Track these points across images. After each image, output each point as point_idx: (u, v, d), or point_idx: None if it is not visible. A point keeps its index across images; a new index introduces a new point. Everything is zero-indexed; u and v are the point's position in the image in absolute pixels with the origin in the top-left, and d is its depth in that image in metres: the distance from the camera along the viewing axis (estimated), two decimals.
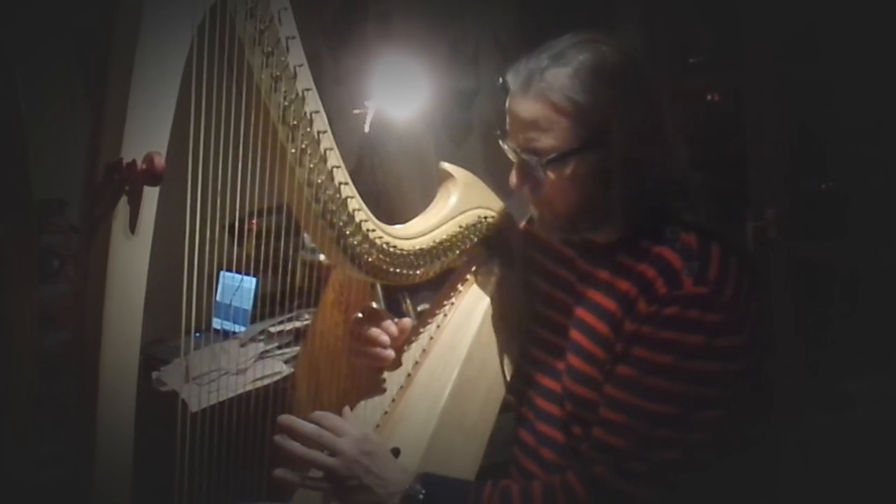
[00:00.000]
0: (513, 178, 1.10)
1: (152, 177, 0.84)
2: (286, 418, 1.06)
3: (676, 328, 0.98)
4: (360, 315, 1.24)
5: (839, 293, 1.95)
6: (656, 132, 1.04)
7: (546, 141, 1.03)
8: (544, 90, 1.02)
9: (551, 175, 1.05)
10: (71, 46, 2.34)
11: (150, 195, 0.86)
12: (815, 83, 1.94)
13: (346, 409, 1.17)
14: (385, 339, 1.22)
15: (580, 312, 1.12)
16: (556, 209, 1.08)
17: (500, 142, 1.11)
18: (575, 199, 1.06)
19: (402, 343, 1.26)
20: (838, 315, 1.93)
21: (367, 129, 2.27)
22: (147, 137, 0.85)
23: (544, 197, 1.08)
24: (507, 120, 1.09)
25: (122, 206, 0.85)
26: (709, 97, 2.22)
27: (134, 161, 0.84)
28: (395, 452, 1.15)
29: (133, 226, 0.86)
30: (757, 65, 1.95)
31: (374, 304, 1.26)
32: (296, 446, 1.04)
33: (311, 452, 1.04)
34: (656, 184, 1.04)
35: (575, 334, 1.11)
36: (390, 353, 1.23)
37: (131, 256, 0.86)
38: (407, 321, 1.27)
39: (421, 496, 1.03)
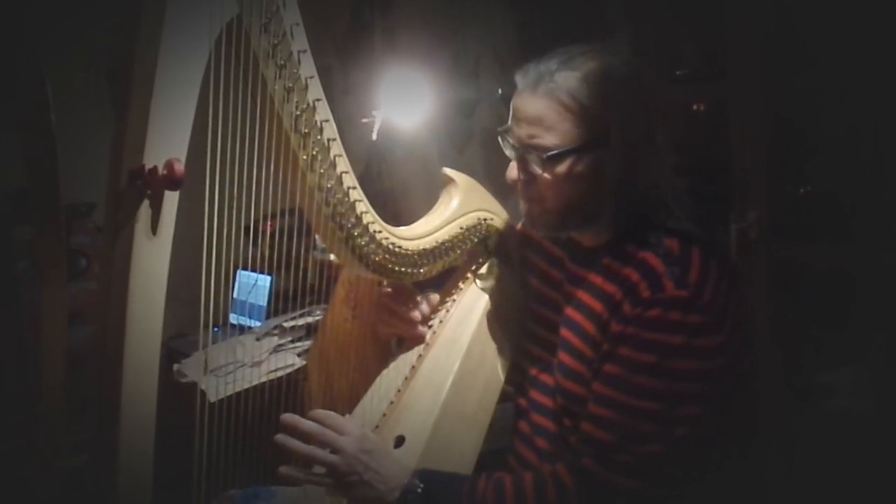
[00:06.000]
0: (510, 173, 1.09)
1: (172, 182, 0.83)
2: (289, 417, 1.04)
3: (659, 329, 0.98)
4: (389, 290, 1.25)
5: (817, 291, 1.94)
6: (650, 141, 1.04)
7: (548, 138, 1.03)
8: (553, 90, 1.02)
9: (548, 171, 1.04)
10: (99, 58, 2.34)
11: (171, 199, 0.86)
12: (795, 93, 1.93)
13: (348, 416, 1.16)
14: (416, 314, 1.24)
15: (570, 312, 1.11)
16: (547, 206, 1.07)
17: (500, 139, 1.10)
18: (566, 197, 1.05)
19: (429, 317, 1.27)
20: (816, 311, 1.92)
21: (374, 136, 2.27)
22: (167, 145, 0.85)
23: (537, 193, 1.07)
24: (511, 117, 1.08)
25: (144, 210, 0.85)
26: (695, 107, 2.21)
27: (155, 167, 0.83)
28: (401, 440, 1.15)
29: (154, 228, 0.85)
30: (740, 76, 1.94)
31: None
32: (298, 444, 1.03)
33: (313, 450, 1.03)
34: (644, 189, 1.04)
35: (565, 332, 1.11)
36: (421, 328, 1.25)
37: (153, 256, 0.86)
38: (434, 296, 1.28)
39: (419, 490, 1.03)
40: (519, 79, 1.06)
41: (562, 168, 1.03)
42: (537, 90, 1.03)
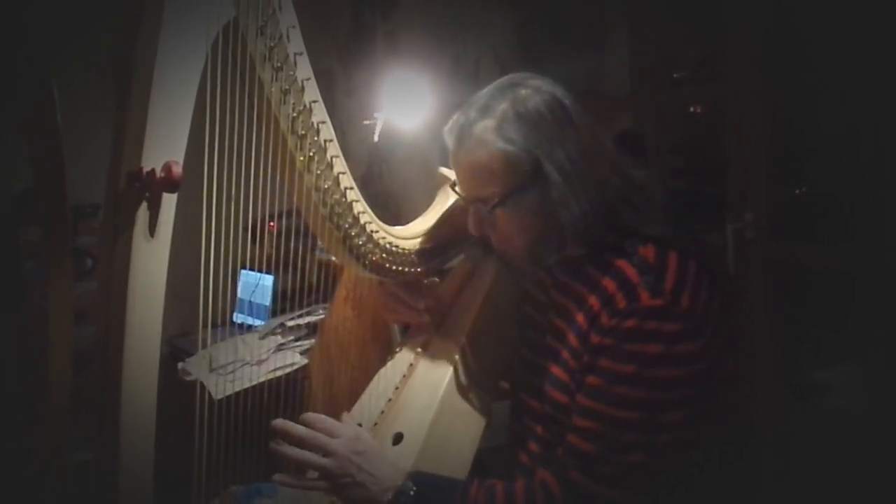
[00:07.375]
0: (470, 226, 1.10)
1: (170, 184, 0.83)
2: (280, 423, 1.04)
3: (636, 339, 0.97)
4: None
5: (816, 291, 1.94)
6: (591, 156, 1.03)
7: (488, 188, 1.04)
8: (475, 144, 1.03)
9: (500, 217, 1.04)
10: (101, 58, 2.35)
11: (169, 201, 0.86)
12: (794, 93, 1.93)
13: (345, 413, 1.16)
14: (420, 303, 1.25)
15: (555, 320, 1.10)
16: (515, 245, 1.07)
17: (454, 192, 1.12)
18: (528, 234, 1.05)
19: (433, 305, 1.28)
20: (815, 311, 1.92)
21: (376, 138, 2.27)
22: (165, 147, 0.85)
23: (501, 237, 1.08)
24: (454, 174, 1.10)
25: (143, 212, 0.84)
26: (693, 108, 2.21)
27: (153, 170, 0.83)
28: (399, 437, 1.15)
29: (152, 230, 0.85)
30: (739, 77, 1.94)
31: None
32: (291, 450, 1.03)
33: (306, 454, 1.03)
34: (607, 199, 1.03)
35: (551, 341, 1.10)
36: (424, 315, 1.26)
37: (151, 258, 0.86)
38: (436, 281, 1.28)
39: (412, 492, 1.02)
40: (447, 137, 1.07)
41: (510, 210, 1.04)
42: (462, 148, 1.04)
